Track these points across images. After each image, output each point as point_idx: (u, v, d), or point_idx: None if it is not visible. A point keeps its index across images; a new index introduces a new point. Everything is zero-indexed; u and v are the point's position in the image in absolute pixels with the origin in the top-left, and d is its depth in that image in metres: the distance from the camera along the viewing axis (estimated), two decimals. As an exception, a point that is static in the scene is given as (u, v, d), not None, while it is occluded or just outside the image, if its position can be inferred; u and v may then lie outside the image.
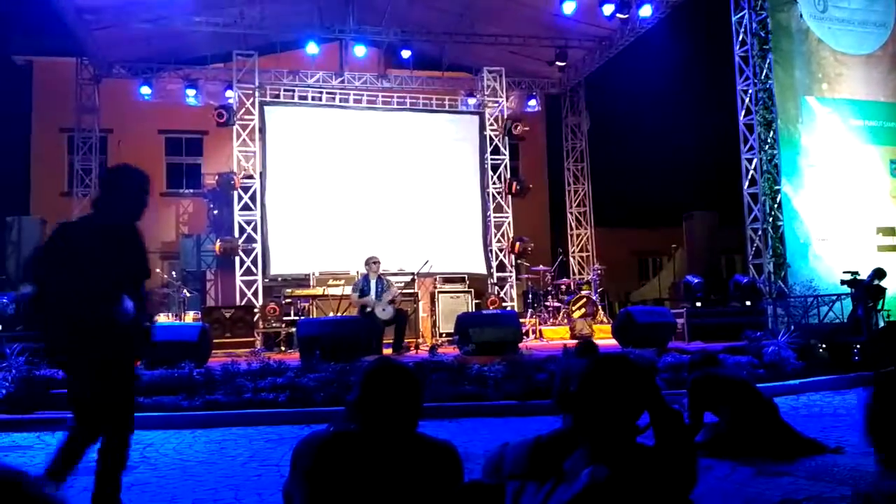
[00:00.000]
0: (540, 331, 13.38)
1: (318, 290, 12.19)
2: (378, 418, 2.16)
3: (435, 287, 13.17)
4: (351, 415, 2.20)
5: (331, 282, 12.30)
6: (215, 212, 16.44)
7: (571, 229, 18.08)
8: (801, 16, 11.65)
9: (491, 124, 15.67)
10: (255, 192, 13.97)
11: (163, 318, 12.39)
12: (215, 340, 10.31)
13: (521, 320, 11.89)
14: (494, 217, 15.54)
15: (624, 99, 19.79)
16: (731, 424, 5.16)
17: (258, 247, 13.84)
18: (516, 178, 16.00)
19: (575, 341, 10.09)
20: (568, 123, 18.36)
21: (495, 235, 15.46)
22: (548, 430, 2.42)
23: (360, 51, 15.22)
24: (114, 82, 15.95)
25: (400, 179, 14.95)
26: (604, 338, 11.62)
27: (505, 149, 15.72)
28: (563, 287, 14.77)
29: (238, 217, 13.92)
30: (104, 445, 3.48)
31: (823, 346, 9.36)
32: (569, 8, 13.81)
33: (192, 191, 18.44)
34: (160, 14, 13.55)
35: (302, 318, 11.33)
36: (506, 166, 15.73)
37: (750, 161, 11.56)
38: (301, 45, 15.00)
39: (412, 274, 11.95)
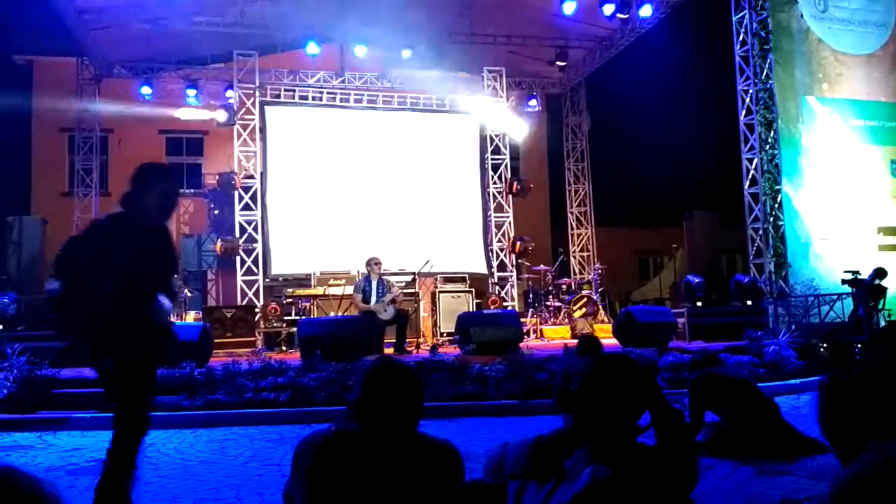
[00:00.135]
0: (541, 330, 13.38)
1: (319, 290, 12.19)
2: (379, 418, 2.16)
3: (436, 287, 13.18)
4: (352, 414, 2.20)
5: (332, 281, 12.30)
6: (216, 212, 16.44)
7: (572, 229, 18.07)
8: (801, 16, 11.65)
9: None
10: (255, 191, 13.98)
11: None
12: (216, 340, 10.33)
13: (522, 320, 11.89)
14: (495, 217, 15.54)
15: (624, 99, 19.78)
16: (732, 424, 5.16)
17: (259, 247, 13.84)
18: (517, 177, 16.01)
19: (576, 341, 10.09)
20: (568, 123, 18.36)
21: (496, 235, 15.46)
22: (549, 429, 2.42)
23: (360, 51, 15.21)
24: (114, 82, 15.94)
25: (400, 179, 14.96)
26: (604, 337, 11.57)
27: (505, 148, 15.73)
28: (564, 287, 14.77)
29: (239, 217, 13.93)
30: (114, 444, 3.44)
31: (824, 345, 9.36)
32: (569, 8, 13.80)
33: (192, 191, 18.41)
34: (160, 14, 13.55)
35: (303, 317, 11.34)
36: (506, 166, 15.73)
37: (751, 161, 11.56)
38: (301, 45, 14.98)
39: (413, 274, 11.96)
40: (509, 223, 15.50)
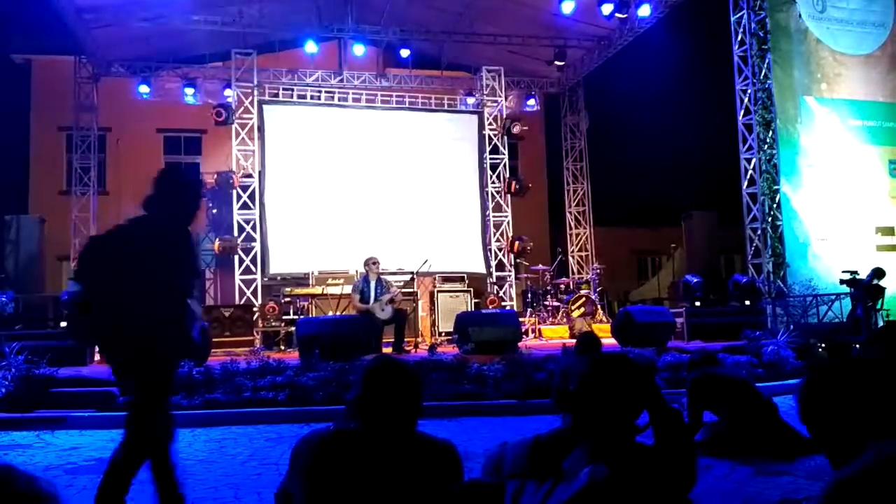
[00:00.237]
0: (539, 330, 13.39)
1: (318, 289, 12.18)
2: (378, 416, 2.15)
3: (434, 286, 13.17)
4: (351, 413, 2.20)
5: (330, 281, 12.30)
6: (214, 211, 16.43)
7: (570, 229, 18.08)
8: (799, 16, 11.66)
9: (490, 123, 15.68)
10: (253, 190, 13.97)
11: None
12: (214, 339, 10.32)
13: (521, 319, 11.89)
14: (493, 216, 15.54)
15: (623, 98, 19.79)
16: (730, 424, 5.16)
17: (257, 246, 13.84)
18: (515, 177, 16.01)
19: (574, 340, 10.09)
20: (567, 123, 18.36)
21: (494, 235, 15.46)
22: (547, 429, 2.42)
23: (358, 50, 15.21)
24: (112, 81, 15.93)
25: (399, 179, 14.95)
26: (603, 337, 11.54)
27: (504, 148, 15.73)
28: (563, 286, 14.78)
29: (237, 216, 13.92)
30: (124, 442, 3.39)
31: (823, 345, 9.37)
32: (568, 7, 13.80)
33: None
34: (159, 13, 13.54)
35: (301, 317, 11.33)
36: (505, 165, 15.74)
37: (749, 161, 11.57)
38: (300, 44, 14.98)
39: (411, 273, 11.96)
40: (508, 223, 15.51)
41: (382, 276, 10.58)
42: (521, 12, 14.89)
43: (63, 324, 10.45)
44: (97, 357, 10.16)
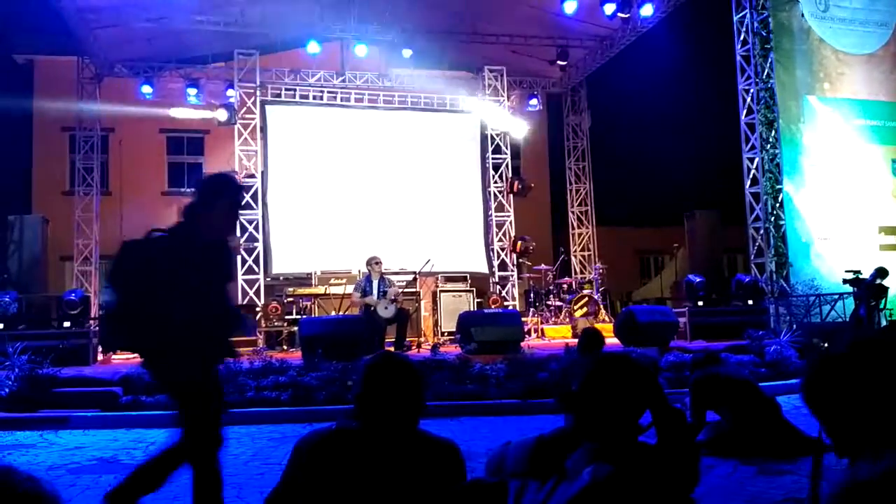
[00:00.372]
0: (542, 330, 13.39)
1: (320, 289, 12.19)
2: (379, 413, 2.13)
3: (437, 286, 13.17)
4: (354, 411, 2.19)
5: (333, 281, 12.30)
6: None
7: (573, 228, 18.07)
8: (802, 15, 11.65)
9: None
10: (256, 191, 13.99)
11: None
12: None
13: (523, 319, 11.88)
14: (496, 216, 15.53)
15: (625, 98, 19.78)
16: (733, 423, 5.16)
17: (260, 246, 13.85)
18: (518, 177, 16.00)
19: (576, 340, 10.08)
20: (569, 122, 18.34)
21: (497, 234, 15.46)
22: (550, 428, 2.42)
23: (361, 50, 15.19)
24: (115, 81, 15.94)
25: (401, 178, 14.96)
26: (606, 337, 11.59)
27: (506, 148, 15.73)
28: (565, 286, 14.76)
29: (240, 216, 13.90)
30: (177, 443, 3.35)
31: (825, 345, 9.35)
32: (570, 7, 13.78)
33: (193, 190, 18.40)
34: (161, 13, 13.54)
35: (304, 316, 11.34)
36: (507, 165, 15.74)
37: (752, 160, 11.56)
38: (302, 45, 14.97)
39: (414, 273, 11.96)
40: (510, 222, 15.50)
41: (385, 276, 10.59)
42: (524, 12, 14.87)
43: (66, 324, 10.47)
44: (100, 357, 10.19)
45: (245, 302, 13.23)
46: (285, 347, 11.69)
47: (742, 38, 11.73)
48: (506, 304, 14.33)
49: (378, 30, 15.08)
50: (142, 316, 3.27)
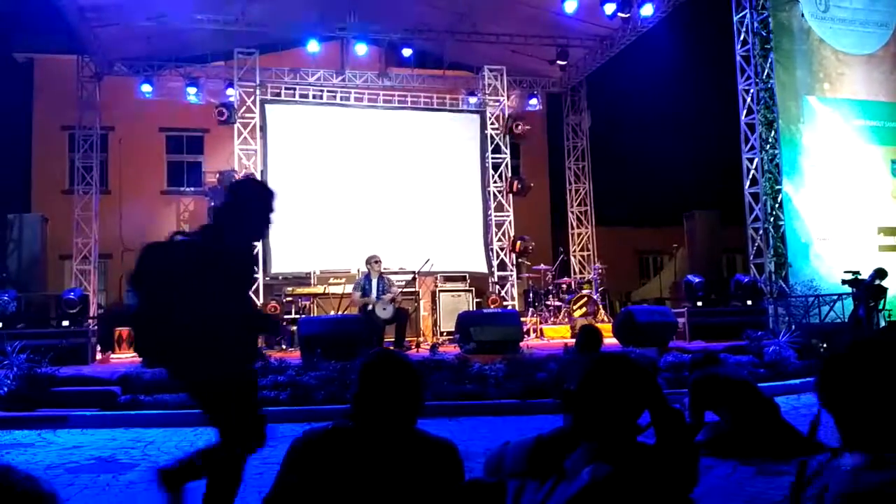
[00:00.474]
0: (541, 330, 13.38)
1: (319, 289, 12.18)
2: (376, 412, 2.11)
3: (436, 286, 13.16)
4: (351, 410, 2.18)
5: (332, 280, 12.29)
6: (216, 210, 16.42)
7: (572, 228, 18.07)
8: (802, 15, 11.65)
9: (492, 123, 15.67)
10: (256, 190, 13.95)
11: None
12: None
13: (522, 319, 11.88)
14: (495, 216, 15.53)
15: (625, 98, 19.76)
16: (732, 424, 5.16)
17: (259, 245, 13.82)
18: (517, 176, 16.00)
19: (574, 340, 10.08)
20: (569, 122, 18.35)
21: (496, 234, 15.45)
22: (549, 428, 2.42)
23: (361, 49, 15.20)
24: (115, 80, 15.93)
25: (401, 178, 14.95)
26: (605, 337, 11.60)
27: (506, 147, 15.72)
28: (564, 286, 14.75)
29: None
30: (216, 444, 3.39)
31: (824, 345, 9.35)
32: (570, 7, 13.79)
33: (192, 189, 18.43)
34: (161, 12, 13.54)
35: (303, 316, 11.33)
36: (507, 165, 15.73)
37: (751, 160, 11.56)
38: (302, 44, 14.99)
39: (413, 272, 11.96)
40: (509, 222, 15.50)
41: (384, 275, 10.58)
42: (524, 12, 14.87)
43: (65, 323, 10.47)
44: (99, 356, 10.18)
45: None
46: (284, 347, 11.67)
47: (742, 38, 11.73)
48: (505, 303, 14.33)
49: (378, 29, 15.09)
50: (161, 322, 3.22)
